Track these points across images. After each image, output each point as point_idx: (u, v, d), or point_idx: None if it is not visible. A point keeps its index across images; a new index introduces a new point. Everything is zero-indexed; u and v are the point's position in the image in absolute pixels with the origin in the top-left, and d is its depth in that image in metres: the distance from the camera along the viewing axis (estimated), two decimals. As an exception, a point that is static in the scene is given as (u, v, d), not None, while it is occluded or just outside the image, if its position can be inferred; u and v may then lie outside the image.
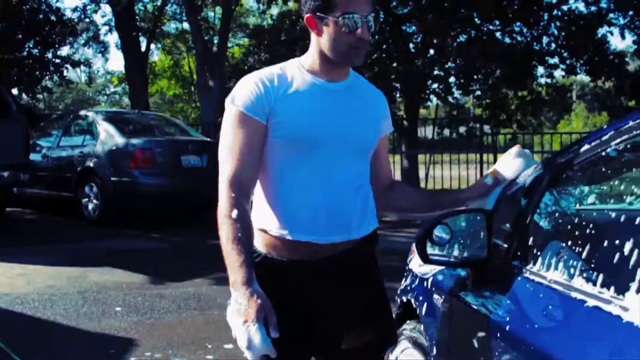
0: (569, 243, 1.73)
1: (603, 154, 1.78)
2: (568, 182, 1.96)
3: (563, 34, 15.47)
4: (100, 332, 4.70)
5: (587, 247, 1.64)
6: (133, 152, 9.40)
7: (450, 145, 16.85)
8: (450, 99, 16.39)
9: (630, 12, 15.26)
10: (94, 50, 20.65)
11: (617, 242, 1.52)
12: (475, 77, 15.16)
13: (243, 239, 1.81)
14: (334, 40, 1.93)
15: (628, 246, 1.47)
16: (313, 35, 1.99)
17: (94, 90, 51.38)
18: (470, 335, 2.01)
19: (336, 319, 2.04)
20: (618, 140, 1.71)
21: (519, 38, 15.73)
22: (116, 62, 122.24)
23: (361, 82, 2.13)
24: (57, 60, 15.64)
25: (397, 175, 14.00)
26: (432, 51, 14.96)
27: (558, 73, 16.68)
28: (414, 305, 2.72)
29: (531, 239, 1.93)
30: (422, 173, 16.00)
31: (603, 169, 1.88)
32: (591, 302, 1.47)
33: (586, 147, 1.84)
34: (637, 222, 1.50)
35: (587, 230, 1.69)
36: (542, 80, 16.65)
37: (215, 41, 17.89)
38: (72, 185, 10.02)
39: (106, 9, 17.57)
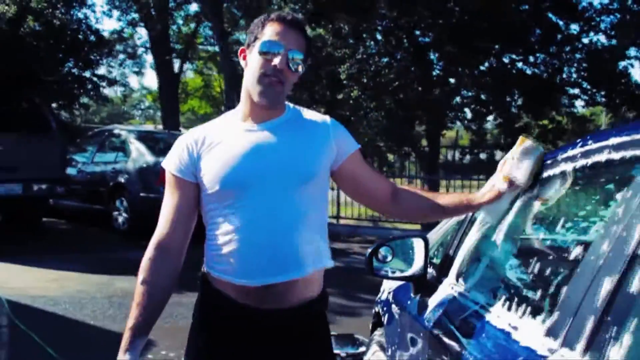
0: (475, 267, 2.25)
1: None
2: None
3: (584, 65, 15.82)
4: (121, 332, 5.23)
5: (482, 271, 2.17)
6: (159, 170, 10.03)
7: (472, 170, 17.34)
8: (473, 125, 16.87)
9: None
10: (130, 69, 21.45)
11: (498, 266, 2.05)
12: (494, 105, 15.54)
13: (143, 303, 1.96)
14: (252, 66, 1.94)
15: (503, 268, 2.00)
16: (245, 72, 2.01)
17: (129, 104, 52.56)
18: (407, 331, 2.54)
19: None
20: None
21: (541, 68, 16.13)
22: (152, 78, 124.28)
23: (299, 116, 2.07)
24: (95, 79, 16.45)
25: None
26: (452, 80, 15.41)
27: (579, 103, 17.07)
28: (381, 314, 3.25)
29: (455, 263, 2.45)
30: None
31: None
32: (474, 307, 1.99)
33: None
34: (513, 250, 2.02)
35: (483, 259, 2.21)
36: (563, 110, 17.02)
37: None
38: (104, 198, 10.69)
39: (142, 31, 18.52)
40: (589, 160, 1.70)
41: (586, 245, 1.54)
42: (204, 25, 21.02)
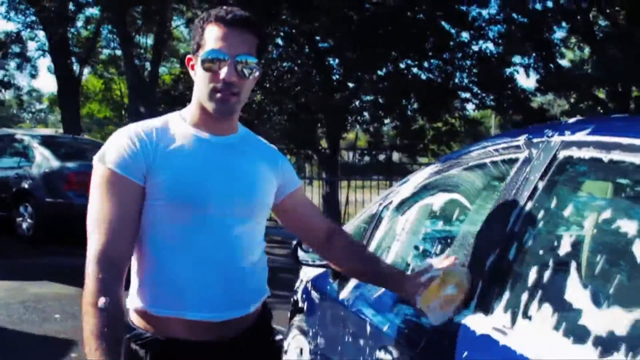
0: (386, 254, 2.65)
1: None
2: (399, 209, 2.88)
3: (475, 71, 16.81)
4: (42, 335, 5.39)
5: (392, 257, 2.57)
6: (68, 175, 9.99)
7: (370, 171, 18.11)
8: (371, 128, 17.57)
9: (533, 54, 16.73)
10: (26, 72, 20.83)
11: (405, 251, 2.45)
12: (391, 109, 16.26)
13: (109, 335, 1.51)
14: (201, 81, 1.72)
15: (408, 253, 2.40)
16: (195, 82, 1.78)
17: (18, 107, 50.57)
18: (328, 315, 2.92)
19: None
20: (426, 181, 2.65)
21: (435, 73, 17.01)
22: (42, 81, 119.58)
23: (252, 139, 1.92)
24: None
25: (315, 200, 14.99)
26: (352, 84, 16.01)
27: (470, 107, 18.11)
28: (301, 302, 3.60)
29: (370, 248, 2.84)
30: (343, 197, 17.01)
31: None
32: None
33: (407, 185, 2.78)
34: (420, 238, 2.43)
35: (392, 247, 2.61)
36: (456, 113, 18.00)
37: (147, 66, 18.62)
38: (7, 204, 10.50)
39: (40, 33, 18.14)
40: (482, 161, 2.13)
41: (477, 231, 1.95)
42: (103, 27, 20.79)
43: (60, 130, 19.08)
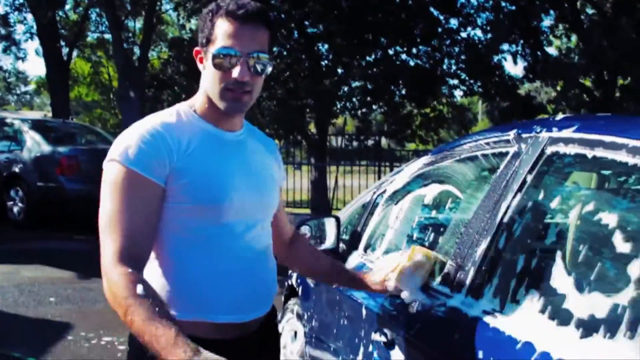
0: (381, 240, 2.76)
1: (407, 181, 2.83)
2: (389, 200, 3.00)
3: (463, 57, 16.92)
4: (39, 318, 5.49)
5: (386, 244, 2.68)
6: (59, 159, 10.03)
7: (358, 156, 18.28)
8: (359, 114, 17.66)
9: (521, 42, 16.86)
10: (13, 57, 20.65)
11: (399, 238, 2.57)
12: (380, 95, 16.35)
13: (163, 311, 1.45)
14: (211, 78, 1.66)
15: (403, 239, 2.52)
16: (202, 75, 1.73)
17: (4, 90, 50.18)
18: (324, 299, 3.04)
19: None
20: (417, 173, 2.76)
21: (424, 59, 17.11)
22: (29, 64, 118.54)
23: (255, 132, 1.91)
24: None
25: (304, 185, 15.15)
26: (340, 70, 16.08)
27: (458, 93, 18.25)
28: (295, 286, 3.71)
29: (363, 238, 2.96)
30: (331, 182, 17.15)
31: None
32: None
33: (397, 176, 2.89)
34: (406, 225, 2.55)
35: (386, 234, 2.73)
36: (444, 100, 18.14)
37: (136, 50, 18.59)
38: (-3, 189, 10.53)
39: (28, 16, 18.05)
40: (473, 154, 2.24)
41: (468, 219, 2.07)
42: (92, 11, 20.67)
43: (49, 114, 19.03)
